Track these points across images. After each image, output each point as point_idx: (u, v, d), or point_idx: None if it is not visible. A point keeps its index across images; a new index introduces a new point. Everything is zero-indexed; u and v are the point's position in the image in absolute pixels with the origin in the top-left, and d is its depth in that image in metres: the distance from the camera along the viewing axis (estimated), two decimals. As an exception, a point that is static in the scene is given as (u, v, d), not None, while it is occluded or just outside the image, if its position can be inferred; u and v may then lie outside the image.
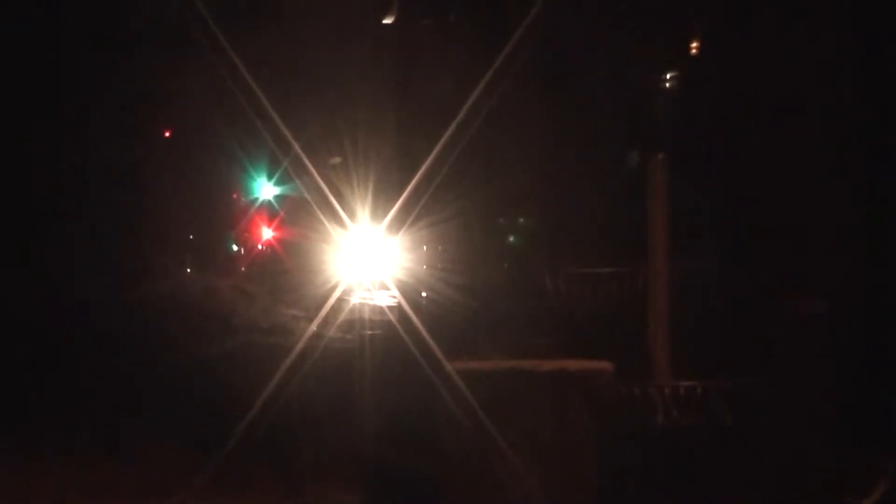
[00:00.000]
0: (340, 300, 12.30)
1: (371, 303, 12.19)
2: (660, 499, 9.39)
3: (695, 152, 12.41)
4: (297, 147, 12.40)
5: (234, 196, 18.05)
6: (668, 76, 13.59)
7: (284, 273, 16.11)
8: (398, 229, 11.97)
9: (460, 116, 11.60)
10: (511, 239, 14.50)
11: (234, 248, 18.52)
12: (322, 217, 12.85)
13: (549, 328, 12.41)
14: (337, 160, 13.36)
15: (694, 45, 13.46)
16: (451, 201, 12.34)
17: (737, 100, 12.34)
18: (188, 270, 17.05)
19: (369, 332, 10.96)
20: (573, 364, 9.64)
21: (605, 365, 9.62)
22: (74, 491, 10.11)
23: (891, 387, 10.08)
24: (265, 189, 17.47)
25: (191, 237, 17.46)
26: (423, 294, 12.73)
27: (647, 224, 11.14)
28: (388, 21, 13.51)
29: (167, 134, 17.21)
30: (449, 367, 9.54)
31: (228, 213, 18.20)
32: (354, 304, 12.26)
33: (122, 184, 15.87)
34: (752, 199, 12.15)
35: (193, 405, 11.85)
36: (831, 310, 10.10)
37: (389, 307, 11.54)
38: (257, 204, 17.82)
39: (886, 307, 10.66)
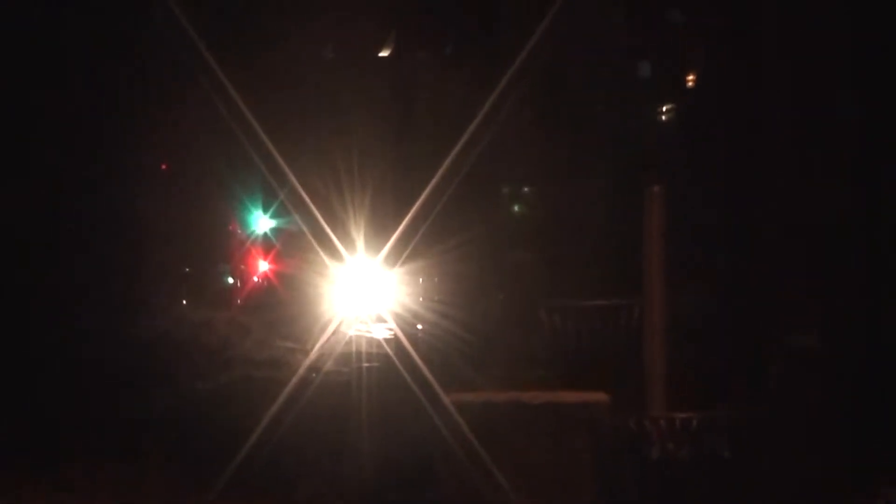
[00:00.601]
0: (337, 333, 12.30)
1: (368, 335, 12.19)
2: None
3: (691, 184, 12.45)
4: (293, 179, 12.42)
5: (231, 229, 18.04)
6: (664, 108, 13.65)
7: (281, 306, 16.08)
8: (395, 262, 12.00)
9: (456, 150, 11.64)
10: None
11: (231, 280, 18.50)
12: (319, 249, 12.87)
13: (545, 360, 12.42)
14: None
15: (691, 77, 13.53)
16: (447, 235, 12.37)
17: (734, 133, 12.39)
18: (184, 303, 17.04)
19: (366, 365, 10.97)
20: (569, 396, 9.65)
21: (600, 397, 9.63)
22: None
23: (886, 418, 10.10)
24: (262, 222, 17.47)
25: (187, 270, 17.45)
26: (419, 327, 12.74)
27: (643, 256, 11.16)
28: (384, 54, 13.58)
29: (164, 167, 17.22)
30: (445, 398, 9.55)
31: (225, 246, 18.18)
32: (351, 337, 12.26)
33: (119, 217, 15.87)
34: (748, 233, 12.19)
35: (190, 439, 11.81)
36: (825, 343, 10.12)
37: (386, 340, 11.55)
38: (254, 236, 17.81)
39: (880, 341, 10.69)
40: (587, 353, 12.57)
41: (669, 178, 11.70)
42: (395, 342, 11.34)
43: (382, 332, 11.99)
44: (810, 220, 11.44)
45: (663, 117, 13.99)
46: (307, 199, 12.48)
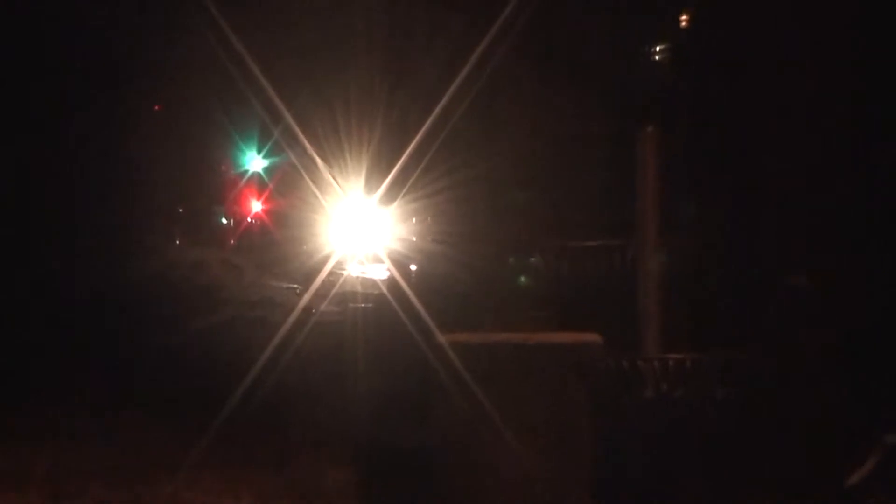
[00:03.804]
0: (332, 273, 12.30)
1: (363, 275, 12.19)
2: (653, 469, 9.42)
3: (686, 125, 12.44)
4: (288, 118, 12.38)
5: (224, 168, 18.04)
6: (658, 49, 13.61)
7: (275, 246, 16.08)
8: (391, 201, 11.98)
9: (453, 89, 11.61)
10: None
11: (224, 220, 18.51)
12: (313, 188, 12.86)
13: (540, 301, 12.45)
14: None
15: (685, 17, 13.48)
16: (444, 175, 12.36)
17: (728, 73, 12.36)
18: (178, 243, 17.05)
19: (361, 305, 10.95)
20: (563, 337, 9.63)
21: (594, 337, 9.61)
22: (66, 470, 10.01)
23: (882, 360, 10.13)
24: (255, 161, 17.47)
25: (180, 210, 17.46)
26: (413, 268, 12.75)
27: (637, 197, 11.14)
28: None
29: (157, 107, 17.19)
30: (440, 338, 9.54)
31: (218, 186, 18.19)
32: (346, 277, 12.26)
33: (112, 158, 15.86)
34: (743, 174, 12.18)
35: (184, 381, 11.81)
36: (817, 284, 10.12)
37: (382, 280, 11.54)
38: (247, 176, 17.81)
39: (873, 279, 10.72)
40: (582, 294, 12.60)
41: (664, 118, 11.67)
42: (390, 282, 11.33)
43: (378, 272, 11.98)
44: (806, 162, 11.43)
45: (657, 57, 13.96)
46: (302, 138, 12.44)
